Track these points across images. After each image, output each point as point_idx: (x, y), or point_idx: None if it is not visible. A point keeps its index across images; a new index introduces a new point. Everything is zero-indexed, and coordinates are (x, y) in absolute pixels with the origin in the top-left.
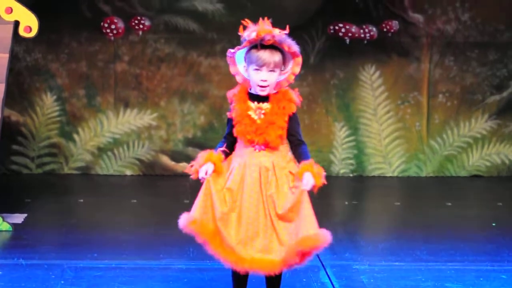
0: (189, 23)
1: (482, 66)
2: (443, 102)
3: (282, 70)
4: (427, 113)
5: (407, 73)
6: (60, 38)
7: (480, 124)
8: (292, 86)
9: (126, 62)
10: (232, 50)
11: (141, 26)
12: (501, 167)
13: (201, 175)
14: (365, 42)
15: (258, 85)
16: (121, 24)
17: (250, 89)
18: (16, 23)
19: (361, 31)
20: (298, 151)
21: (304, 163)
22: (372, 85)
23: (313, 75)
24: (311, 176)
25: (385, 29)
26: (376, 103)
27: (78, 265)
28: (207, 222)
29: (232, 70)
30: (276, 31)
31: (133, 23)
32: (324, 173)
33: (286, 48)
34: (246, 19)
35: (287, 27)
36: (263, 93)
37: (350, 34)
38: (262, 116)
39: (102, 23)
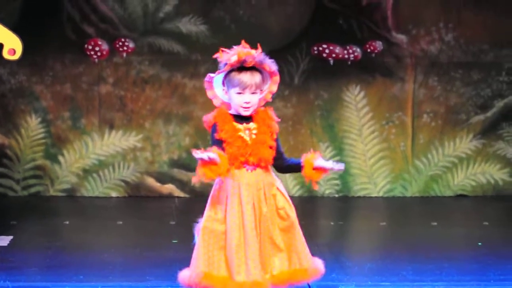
0: (173, 45)
1: (466, 86)
2: (427, 122)
3: (262, 90)
4: (411, 133)
5: (391, 93)
6: (44, 60)
7: (465, 144)
8: (277, 107)
9: (111, 84)
10: (212, 75)
11: (125, 48)
12: (486, 187)
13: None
14: (349, 62)
15: (242, 107)
16: (105, 46)
17: (230, 110)
18: (0, 46)
19: (345, 51)
20: (289, 161)
21: (305, 155)
22: (356, 105)
23: (298, 96)
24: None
25: (369, 50)
26: (360, 124)
27: (64, 287)
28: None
29: (209, 94)
30: (255, 52)
31: (117, 45)
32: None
33: (266, 68)
34: (222, 49)
35: (258, 45)
36: (246, 113)
37: (334, 55)
38: (253, 136)
39: (86, 45)
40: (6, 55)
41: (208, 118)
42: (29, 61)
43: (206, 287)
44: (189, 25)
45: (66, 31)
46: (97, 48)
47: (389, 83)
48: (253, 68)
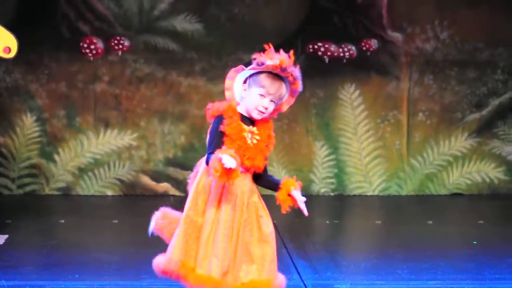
0: (168, 43)
1: (461, 84)
2: (423, 121)
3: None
4: (407, 132)
5: (387, 91)
6: (39, 59)
7: (460, 142)
8: None
9: (106, 82)
10: (242, 67)
11: (120, 46)
12: (482, 185)
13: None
14: (344, 61)
15: (258, 110)
16: (100, 44)
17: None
18: None
19: (340, 50)
20: (270, 177)
21: (287, 178)
22: (351, 104)
23: None
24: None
25: (364, 48)
26: (356, 122)
27: (60, 286)
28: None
29: (228, 83)
30: (295, 66)
31: (113, 43)
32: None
33: (295, 86)
34: (269, 44)
35: (296, 65)
36: (258, 117)
37: (329, 53)
38: (255, 141)
39: (81, 43)
40: (1, 53)
41: (214, 107)
42: (24, 59)
43: (181, 275)
44: (184, 23)
45: (61, 29)
46: (92, 47)
47: (384, 82)
48: (282, 78)
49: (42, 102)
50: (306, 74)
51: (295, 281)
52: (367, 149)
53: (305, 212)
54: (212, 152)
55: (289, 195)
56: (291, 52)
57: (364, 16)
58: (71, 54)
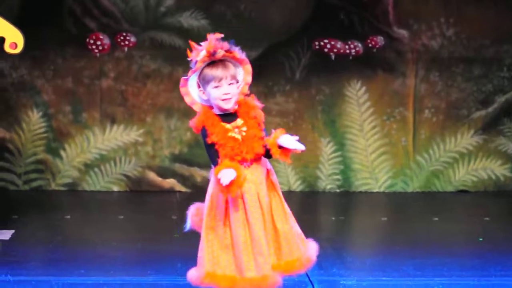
0: (174, 39)
1: (467, 81)
2: (429, 118)
3: (237, 81)
4: (413, 129)
5: (393, 88)
6: (45, 55)
7: (466, 139)
8: (278, 102)
9: (112, 78)
10: (185, 77)
11: (126, 42)
12: (488, 182)
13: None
14: (351, 57)
15: (221, 99)
16: (106, 41)
17: (212, 110)
18: (2, 40)
19: (346, 46)
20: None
21: (269, 138)
22: (358, 100)
23: (299, 91)
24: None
25: (370, 45)
26: (362, 119)
27: (65, 281)
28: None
29: (187, 100)
30: (221, 43)
31: (119, 39)
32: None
33: (236, 56)
34: (191, 41)
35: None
36: (228, 105)
37: (335, 50)
38: (243, 133)
39: (87, 39)
40: (7, 49)
41: (194, 122)
42: (30, 55)
43: (210, 286)
44: (190, 20)
45: (67, 25)
46: (98, 42)
47: (390, 78)
48: (223, 61)
49: (48, 98)
50: (312, 71)
51: (301, 277)
52: (373, 146)
53: (300, 147)
54: (214, 164)
55: (279, 147)
56: (208, 35)
57: (370, 13)
58: (77, 50)
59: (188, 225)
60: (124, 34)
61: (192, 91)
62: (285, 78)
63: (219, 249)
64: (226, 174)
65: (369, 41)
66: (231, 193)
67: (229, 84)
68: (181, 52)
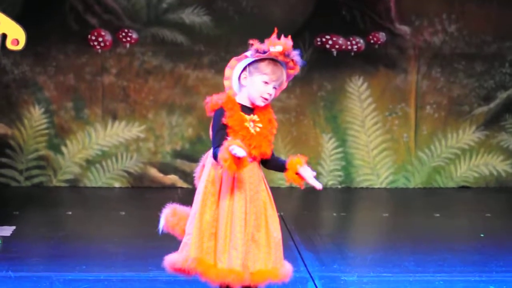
0: (176, 36)
1: (469, 77)
2: (430, 114)
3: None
4: (414, 125)
5: (395, 84)
6: (47, 51)
7: (468, 135)
8: (280, 98)
9: (114, 74)
10: (247, 55)
11: (128, 39)
12: (489, 178)
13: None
14: (352, 54)
15: (262, 97)
16: (108, 37)
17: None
18: (4, 36)
19: (348, 43)
20: (277, 160)
21: (291, 158)
22: (359, 96)
23: (301, 87)
24: (308, 169)
25: (372, 41)
26: (363, 115)
27: (66, 277)
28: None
29: (227, 72)
30: (295, 52)
31: (121, 36)
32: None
33: (294, 69)
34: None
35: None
36: (262, 104)
37: (337, 46)
38: (258, 129)
39: (89, 36)
40: (9, 45)
41: (213, 100)
42: (32, 51)
43: (198, 273)
44: (192, 16)
45: (69, 21)
46: (100, 39)
47: (392, 75)
48: (282, 64)
49: (50, 94)
50: (314, 67)
51: (302, 273)
52: (375, 142)
53: (317, 186)
54: (218, 146)
55: (297, 173)
56: (289, 37)
57: (372, 9)
58: (79, 47)
59: (162, 226)
60: (126, 30)
61: (236, 69)
62: None
63: (205, 236)
64: (239, 149)
65: (371, 37)
66: (240, 169)
67: (273, 88)
68: (183, 48)
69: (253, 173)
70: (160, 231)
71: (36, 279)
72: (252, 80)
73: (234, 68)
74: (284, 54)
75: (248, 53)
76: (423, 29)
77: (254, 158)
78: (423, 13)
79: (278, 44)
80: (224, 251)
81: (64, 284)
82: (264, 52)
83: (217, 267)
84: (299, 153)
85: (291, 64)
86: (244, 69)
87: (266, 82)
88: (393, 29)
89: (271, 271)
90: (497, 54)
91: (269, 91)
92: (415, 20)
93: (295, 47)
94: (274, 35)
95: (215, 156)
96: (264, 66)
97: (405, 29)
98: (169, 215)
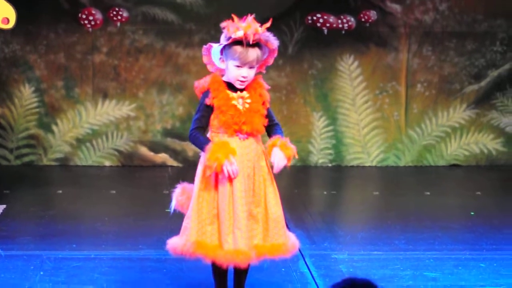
0: (167, 14)
1: (460, 56)
2: (421, 92)
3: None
4: (405, 103)
5: (385, 63)
6: (38, 30)
7: (459, 114)
8: (270, 76)
9: (104, 53)
10: (213, 44)
11: (119, 17)
12: (480, 156)
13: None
14: (343, 32)
15: (238, 80)
16: (99, 16)
17: (222, 77)
18: None
19: (339, 21)
20: (272, 129)
21: (272, 138)
22: (350, 75)
23: (291, 65)
24: (279, 151)
25: (363, 19)
26: (354, 93)
27: (57, 255)
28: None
29: (205, 59)
30: (260, 29)
31: (111, 14)
32: (293, 148)
33: (269, 46)
34: (233, 15)
35: (270, 20)
36: (241, 87)
37: (328, 25)
38: (247, 105)
39: (80, 14)
40: (0, 24)
41: (200, 83)
42: (22, 30)
43: (199, 256)
44: None
45: (60, 0)
46: (91, 18)
47: (383, 53)
48: (254, 45)
49: (41, 73)
50: (304, 46)
51: None
52: (365, 120)
53: (274, 170)
54: (195, 128)
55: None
56: (252, 16)
57: None
58: (70, 25)
59: (173, 205)
60: (117, 9)
61: (213, 53)
62: (278, 53)
63: (206, 219)
64: (230, 167)
65: (361, 15)
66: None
67: (250, 68)
68: (174, 27)
69: (250, 149)
70: (172, 210)
71: (26, 258)
72: (227, 63)
73: (210, 54)
74: (246, 38)
75: (222, 38)
76: (414, 7)
77: (249, 134)
78: None
79: (239, 29)
80: (229, 232)
81: (55, 263)
82: (229, 39)
83: (224, 249)
84: (290, 132)
85: (262, 42)
86: (221, 52)
87: (238, 66)
88: (384, 7)
89: (268, 247)
90: (488, 32)
91: (243, 74)
92: None
93: (285, 24)
94: (236, 19)
95: (190, 137)
96: (234, 51)
97: (396, 7)
98: (178, 194)
